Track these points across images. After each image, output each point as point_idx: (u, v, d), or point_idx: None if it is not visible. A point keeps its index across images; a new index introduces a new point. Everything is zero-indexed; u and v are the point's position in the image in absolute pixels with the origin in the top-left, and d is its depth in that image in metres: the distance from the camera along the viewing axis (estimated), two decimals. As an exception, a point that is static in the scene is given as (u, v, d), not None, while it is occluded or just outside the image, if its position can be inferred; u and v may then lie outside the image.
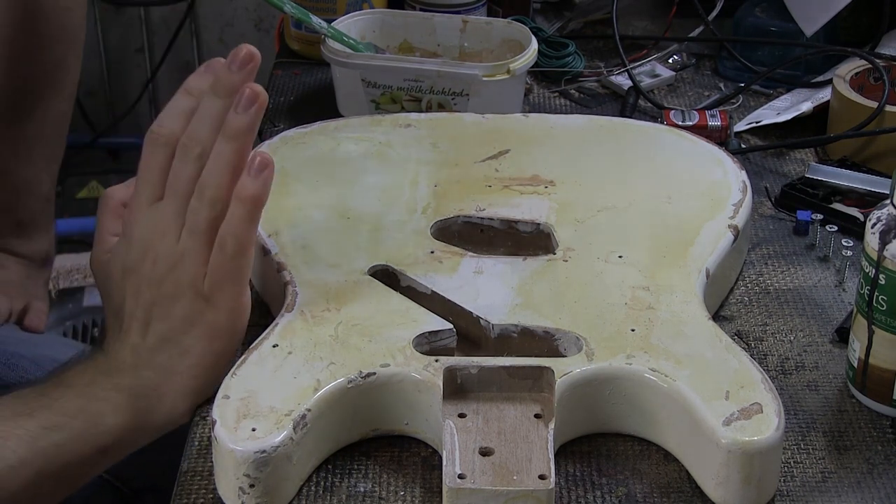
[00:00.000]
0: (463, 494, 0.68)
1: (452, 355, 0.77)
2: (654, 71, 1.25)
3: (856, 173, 1.02)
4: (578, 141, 0.99)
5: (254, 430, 0.69)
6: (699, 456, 0.72)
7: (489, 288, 0.82)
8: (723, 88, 1.23)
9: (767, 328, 0.87)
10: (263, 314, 0.86)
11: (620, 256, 0.84)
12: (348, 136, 0.99)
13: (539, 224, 0.88)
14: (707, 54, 1.30)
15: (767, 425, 0.70)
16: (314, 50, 1.21)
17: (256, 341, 0.76)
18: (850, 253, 0.91)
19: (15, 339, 1.15)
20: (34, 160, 1.16)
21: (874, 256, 0.76)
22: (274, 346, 0.76)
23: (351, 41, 1.15)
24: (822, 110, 1.13)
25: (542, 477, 0.68)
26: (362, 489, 0.73)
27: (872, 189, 1.00)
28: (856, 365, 0.79)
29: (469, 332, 0.80)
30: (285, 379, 0.73)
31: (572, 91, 1.23)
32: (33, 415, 0.73)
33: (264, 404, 0.71)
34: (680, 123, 1.10)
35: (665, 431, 0.75)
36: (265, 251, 0.85)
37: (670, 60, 1.27)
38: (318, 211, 0.89)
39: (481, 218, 0.89)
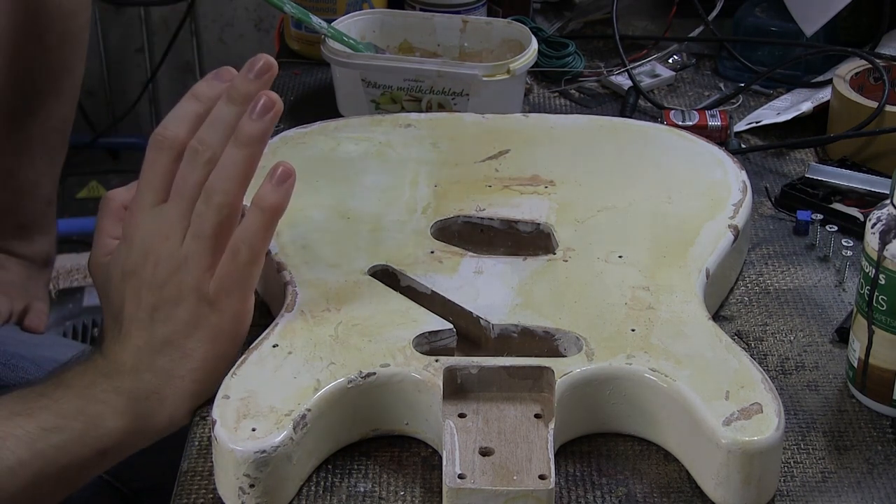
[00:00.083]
0: (463, 494, 0.68)
1: (452, 355, 0.77)
2: (654, 71, 1.25)
3: (856, 173, 1.02)
4: (578, 141, 0.99)
5: (254, 430, 0.69)
6: (699, 456, 0.72)
7: (489, 288, 0.82)
8: (723, 88, 1.23)
9: (767, 328, 0.87)
10: (263, 314, 0.86)
11: (620, 256, 0.84)
12: (348, 136, 0.99)
13: (539, 224, 0.88)
14: (707, 54, 1.30)
15: (767, 425, 0.70)
16: (314, 50, 1.21)
17: (256, 341, 0.76)
18: (850, 253, 0.91)
19: (15, 339, 1.15)
20: (36, 162, 1.16)
21: (874, 256, 0.76)
22: (274, 346, 0.76)
23: (351, 41, 1.15)
24: (822, 110, 1.13)
25: (542, 477, 0.68)
26: (362, 489, 0.73)
27: (872, 189, 1.00)
28: (856, 365, 0.79)
29: (469, 332, 0.80)
30: (285, 379, 0.73)
31: (572, 91, 1.23)
32: (32, 416, 0.73)
33: (264, 404, 0.71)
34: (680, 123, 1.10)
35: (665, 431, 0.75)
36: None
37: (670, 60, 1.27)
38: (318, 211, 0.89)
39: (481, 218, 0.89)
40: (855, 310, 0.79)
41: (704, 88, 1.24)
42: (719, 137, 1.10)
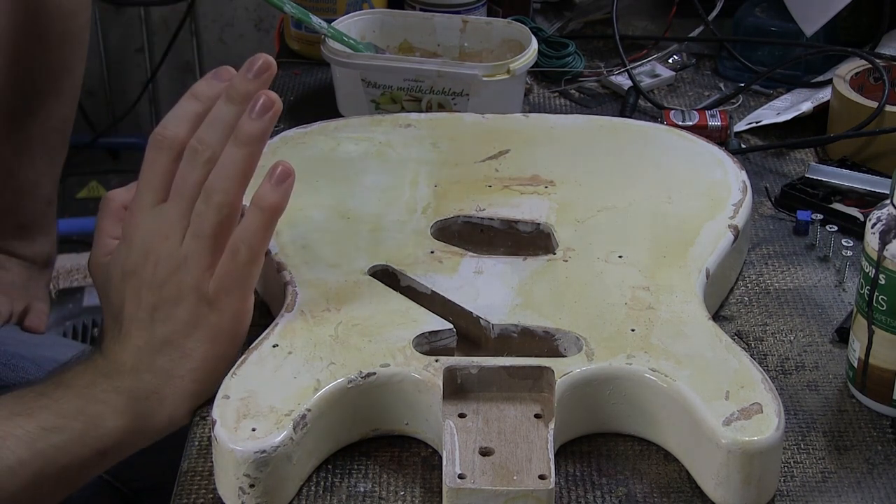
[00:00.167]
0: (463, 494, 0.68)
1: (452, 355, 0.77)
2: (654, 71, 1.25)
3: (856, 173, 1.02)
4: (578, 141, 0.99)
5: (254, 430, 0.69)
6: (699, 456, 0.72)
7: (489, 288, 0.82)
8: (723, 88, 1.23)
9: (767, 328, 0.87)
10: (263, 314, 0.86)
11: (620, 256, 0.84)
12: (348, 136, 0.99)
13: (539, 224, 0.88)
14: (707, 54, 1.30)
15: (767, 425, 0.70)
16: (314, 50, 1.21)
17: (256, 341, 0.76)
18: (850, 253, 0.91)
19: (15, 339, 1.15)
20: (36, 163, 1.16)
21: (874, 256, 0.76)
22: (274, 346, 0.76)
23: (351, 41, 1.15)
24: (822, 110, 1.13)
25: (542, 477, 0.68)
26: (362, 489, 0.73)
27: (872, 189, 1.00)
28: (856, 365, 0.79)
29: (469, 332, 0.80)
30: (285, 379, 0.73)
31: (572, 91, 1.23)
32: (32, 415, 0.73)
33: (264, 404, 0.71)
34: (680, 123, 1.10)
35: (665, 431, 0.75)
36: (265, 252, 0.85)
37: (670, 60, 1.27)
38: (318, 211, 0.89)
39: (481, 218, 0.89)
40: (855, 310, 0.79)
41: (704, 88, 1.24)
42: (719, 137, 1.10)
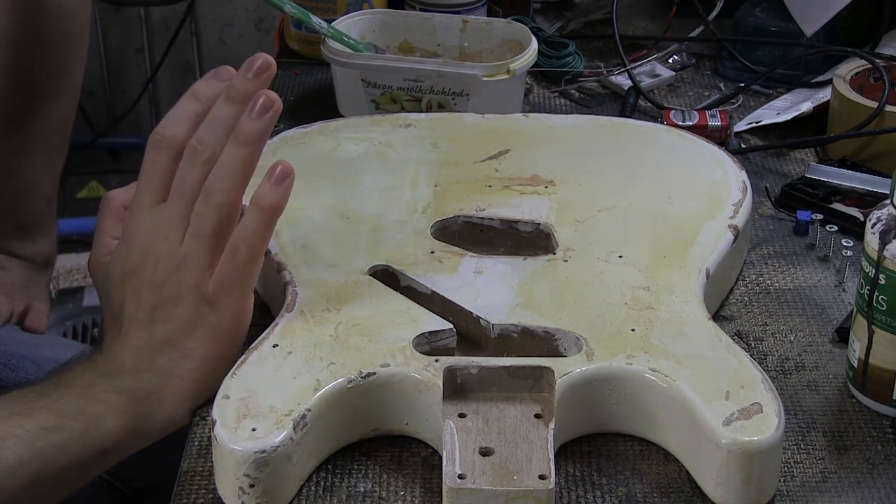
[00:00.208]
0: (463, 494, 0.68)
1: (452, 355, 0.77)
2: (654, 71, 1.25)
3: (856, 173, 1.02)
4: (578, 141, 0.99)
5: (254, 430, 0.69)
6: (699, 456, 0.72)
7: (489, 288, 0.82)
8: (723, 88, 1.23)
9: (767, 328, 0.87)
10: (263, 314, 0.86)
11: (620, 256, 0.84)
12: (348, 136, 0.99)
13: (539, 224, 0.88)
14: (707, 54, 1.30)
15: (767, 425, 0.70)
16: (314, 50, 1.21)
17: (256, 341, 0.76)
18: (850, 253, 0.91)
19: (15, 339, 1.15)
20: (36, 163, 1.16)
21: (874, 256, 0.76)
22: (274, 346, 0.76)
23: (351, 41, 1.15)
24: (822, 110, 1.13)
25: (542, 477, 0.68)
26: (362, 489, 0.73)
27: (872, 189, 1.00)
28: (856, 365, 0.79)
29: (469, 332, 0.80)
30: (285, 379, 0.73)
31: (572, 91, 1.23)
32: (32, 415, 0.73)
33: (264, 404, 0.71)
34: (680, 123, 1.10)
35: (665, 431, 0.75)
36: (265, 251, 0.85)
37: (670, 60, 1.27)
38: (318, 211, 0.89)
39: (481, 218, 0.89)
40: (855, 310, 0.79)
41: (704, 88, 1.24)
42: (719, 137, 1.10)
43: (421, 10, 1.24)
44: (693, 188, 0.92)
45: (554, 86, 1.23)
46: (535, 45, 1.13)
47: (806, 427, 0.78)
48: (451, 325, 0.78)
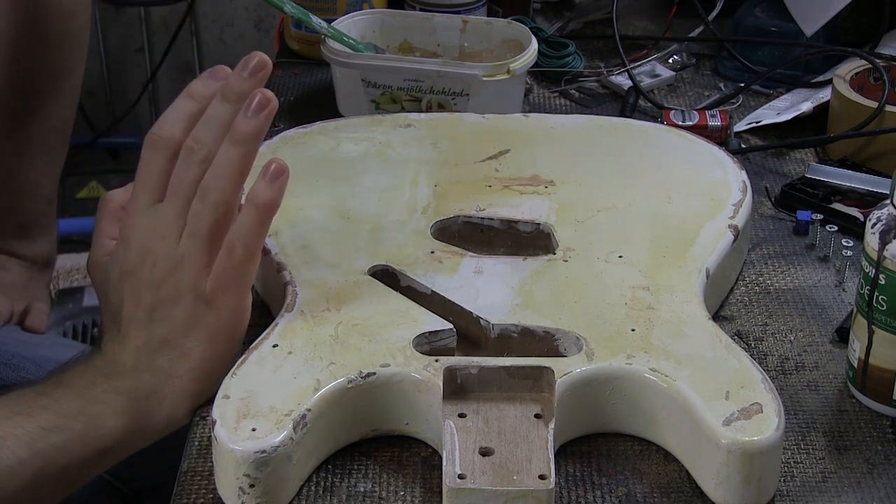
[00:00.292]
0: (463, 494, 0.68)
1: (452, 355, 0.77)
2: (654, 71, 1.25)
3: (856, 173, 1.02)
4: (578, 141, 0.99)
5: (254, 430, 0.69)
6: (699, 456, 0.72)
7: (489, 288, 0.82)
8: (723, 88, 1.23)
9: (767, 328, 0.87)
10: (263, 314, 0.86)
11: (620, 256, 0.84)
12: (348, 136, 0.99)
13: (539, 224, 0.88)
14: (707, 54, 1.30)
15: (767, 425, 0.70)
16: (314, 50, 1.21)
17: (256, 341, 0.76)
18: (850, 253, 0.91)
19: (15, 339, 1.15)
20: (36, 163, 1.16)
21: (874, 256, 0.76)
22: (274, 346, 0.76)
23: (351, 41, 1.15)
24: (822, 110, 1.13)
25: (542, 477, 0.68)
26: (362, 489, 0.73)
27: (872, 189, 1.00)
28: (856, 365, 0.79)
29: (469, 332, 0.80)
30: (285, 379, 0.73)
31: (572, 91, 1.23)
32: (32, 415, 0.73)
33: (264, 404, 0.71)
34: (680, 123, 1.10)
35: (665, 431, 0.75)
36: (265, 251, 0.85)
37: (670, 60, 1.27)
38: (318, 211, 0.89)
39: (481, 218, 0.89)
40: (855, 310, 0.79)
41: (704, 88, 1.24)
42: (719, 137, 1.10)
43: (421, 10, 1.24)
44: (693, 188, 0.92)
45: (554, 86, 1.23)
46: (535, 45, 1.13)
47: (806, 427, 0.78)
48: (451, 325, 0.78)
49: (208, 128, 0.75)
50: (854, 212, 0.98)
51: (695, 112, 1.12)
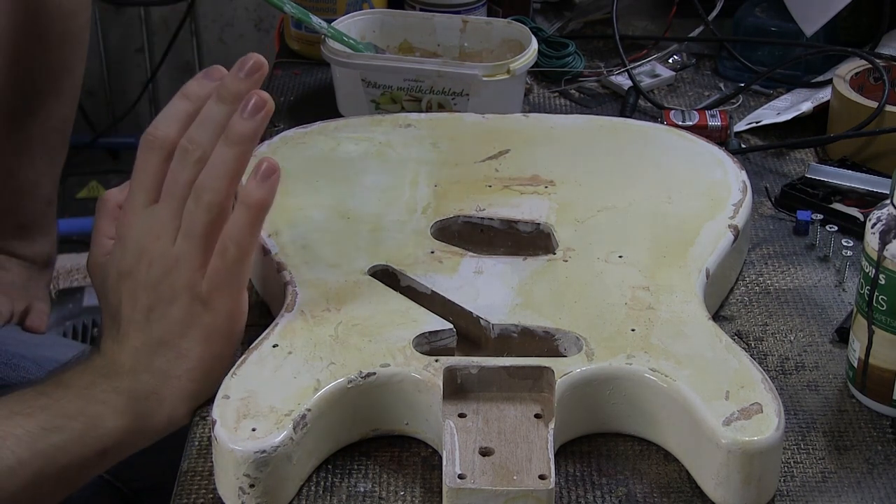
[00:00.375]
0: (463, 494, 0.68)
1: (452, 355, 0.77)
2: (654, 71, 1.25)
3: (856, 173, 1.02)
4: (578, 141, 0.99)
5: (254, 430, 0.69)
6: (699, 456, 0.72)
7: (489, 288, 0.82)
8: (723, 88, 1.23)
9: (767, 328, 0.87)
10: (263, 314, 0.86)
11: (620, 256, 0.84)
12: (348, 136, 0.99)
13: (539, 224, 0.88)
14: (707, 54, 1.30)
15: (767, 425, 0.70)
16: (314, 50, 1.21)
17: (256, 341, 0.76)
18: (850, 253, 0.91)
19: (16, 339, 1.15)
20: (36, 163, 1.16)
21: (874, 256, 0.76)
22: (274, 346, 0.76)
23: (351, 41, 1.15)
24: (822, 110, 1.13)
25: (542, 477, 0.68)
26: (362, 489, 0.73)
27: (872, 189, 1.00)
28: (856, 365, 0.79)
29: (469, 332, 0.80)
30: (285, 379, 0.73)
31: (572, 91, 1.23)
32: (32, 415, 0.73)
33: (264, 404, 0.71)
34: (680, 123, 1.10)
35: (665, 431, 0.75)
36: (265, 251, 0.85)
37: (670, 60, 1.27)
38: (318, 211, 0.89)
39: (481, 218, 0.89)
40: (855, 310, 0.79)
41: (704, 88, 1.24)
42: (719, 137, 1.10)
43: (421, 10, 1.24)
44: (693, 188, 0.92)
45: (554, 86, 1.23)
46: (535, 45, 1.13)
47: (806, 427, 0.78)
48: (451, 325, 0.78)
49: (203, 128, 0.75)
50: (854, 212, 0.98)
51: (695, 112, 1.12)
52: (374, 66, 1.12)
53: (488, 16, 1.27)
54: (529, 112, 1.12)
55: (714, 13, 1.27)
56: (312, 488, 0.73)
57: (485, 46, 1.18)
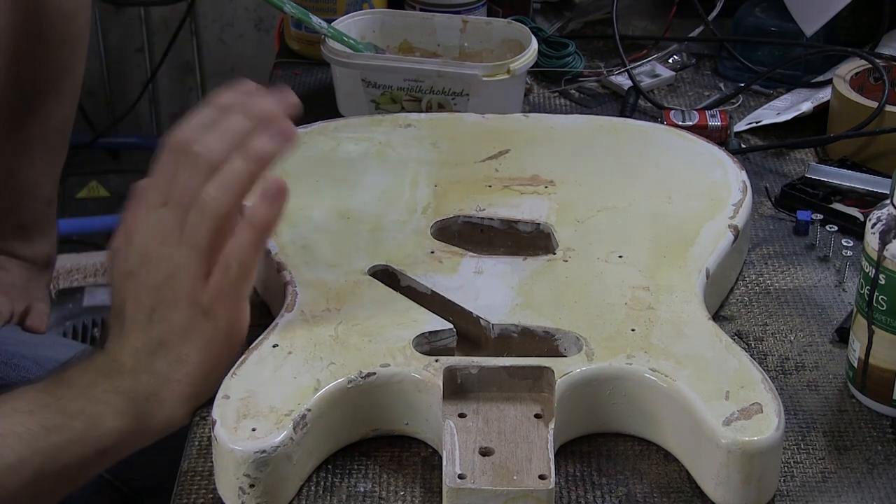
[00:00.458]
0: (463, 494, 0.68)
1: (452, 355, 0.77)
2: (654, 71, 1.25)
3: (856, 173, 1.02)
4: (578, 141, 0.99)
5: (254, 430, 0.69)
6: (699, 456, 0.72)
7: (489, 288, 0.82)
8: (723, 88, 1.23)
9: (767, 328, 0.87)
10: (263, 314, 0.86)
11: (620, 256, 0.84)
12: (348, 136, 0.99)
13: (539, 224, 0.88)
14: (707, 54, 1.30)
15: (767, 425, 0.70)
16: (314, 50, 1.21)
17: (256, 341, 0.76)
18: (850, 253, 0.91)
19: (16, 339, 1.15)
20: (36, 163, 1.16)
21: (874, 256, 0.76)
22: (274, 346, 0.76)
23: (351, 41, 1.15)
24: (822, 110, 1.13)
25: (542, 477, 0.68)
26: (362, 489, 0.73)
27: (872, 189, 1.00)
28: (856, 365, 0.79)
29: (469, 332, 0.80)
30: (285, 379, 0.73)
31: (572, 91, 1.23)
32: (34, 414, 0.73)
33: (264, 404, 0.71)
34: (680, 123, 1.10)
35: (665, 431, 0.75)
36: (265, 251, 0.85)
37: (670, 60, 1.27)
38: (318, 211, 0.89)
39: (481, 218, 0.89)
40: (855, 310, 0.79)
41: (704, 88, 1.24)
42: (719, 137, 1.10)
43: (421, 10, 1.24)
44: (693, 188, 0.92)
45: (554, 86, 1.23)
46: (535, 45, 1.13)
47: (806, 427, 0.78)
48: (451, 325, 0.78)
49: (221, 137, 0.75)
50: (854, 212, 0.98)
51: (695, 112, 1.12)
52: (374, 66, 1.12)
53: (488, 16, 1.27)
54: (529, 112, 1.12)
55: (714, 13, 1.27)
56: (312, 488, 0.73)
57: (485, 46, 1.18)
